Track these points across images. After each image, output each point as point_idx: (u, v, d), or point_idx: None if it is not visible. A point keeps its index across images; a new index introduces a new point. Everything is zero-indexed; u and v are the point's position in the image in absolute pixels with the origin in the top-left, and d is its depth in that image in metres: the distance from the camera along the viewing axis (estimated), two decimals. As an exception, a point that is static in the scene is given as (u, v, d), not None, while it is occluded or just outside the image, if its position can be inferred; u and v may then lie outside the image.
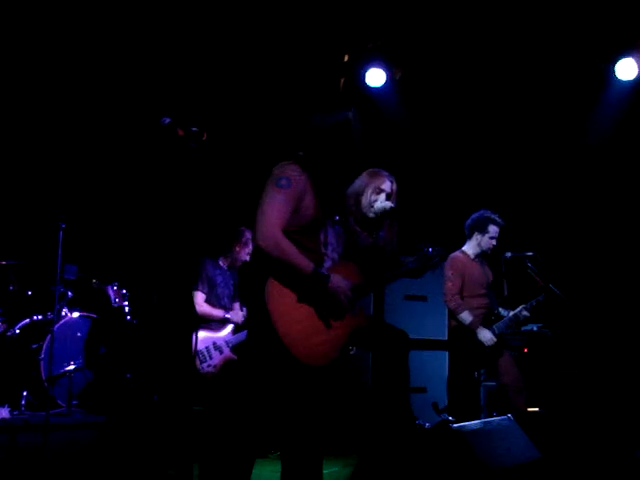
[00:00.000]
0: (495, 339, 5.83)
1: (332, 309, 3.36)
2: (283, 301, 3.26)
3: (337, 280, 3.37)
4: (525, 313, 5.94)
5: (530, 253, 6.01)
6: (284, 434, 3.46)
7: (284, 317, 3.23)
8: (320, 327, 3.34)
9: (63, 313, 6.21)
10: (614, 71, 7.19)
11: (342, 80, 7.27)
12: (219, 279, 6.39)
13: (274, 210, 3.28)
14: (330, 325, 3.38)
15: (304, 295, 3.30)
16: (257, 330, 3.39)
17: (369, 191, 4.52)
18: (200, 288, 6.26)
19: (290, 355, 3.21)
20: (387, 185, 4.49)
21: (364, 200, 4.53)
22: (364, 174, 4.58)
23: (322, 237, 3.44)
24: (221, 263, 6.47)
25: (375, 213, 4.37)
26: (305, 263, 3.29)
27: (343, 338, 3.43)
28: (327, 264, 3.44)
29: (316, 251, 3.40)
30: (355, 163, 3.64)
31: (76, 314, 6.28)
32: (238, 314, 6.40)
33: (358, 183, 4.55)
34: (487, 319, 5.94)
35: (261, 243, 3.24)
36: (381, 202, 4.37)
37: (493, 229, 6.08)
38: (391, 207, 4.31)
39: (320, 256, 3.41)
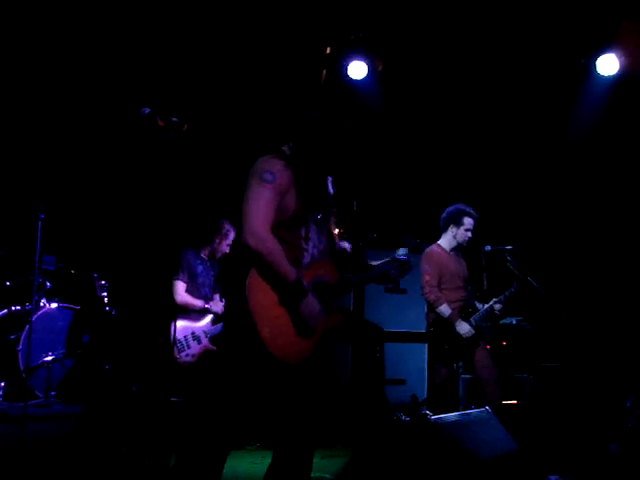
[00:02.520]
0: (473, 331, 5.87)
1: (300, 322, 3.33)
2: (263, 295, 3.24)
3: (311, 303, 3.33)
4: (498, 306, 5.99)
5: (509, 247, 6.06)
6: (272, 428, 3.48)
7: (263, 311, 3.22)
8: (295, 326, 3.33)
9: (42, 304, 6.17)
10: (595, 66, 7.21)
11: (324, 72, 7.26)
12: (199, 269, 6.38)
13: (262, 207, 3.24)
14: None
15: (283, 295, 3.29)
16: (234, 321, 3.38)
17: None
18: (181, 277, 6.24)
19: (265, 350, 3.20)
20: None
21: None
22: None
23: (303, 232, 3.42)
24: (201, 254, 6.46)
25: None
26: (289, 270, 3.26)
27: (317, 336, 3.41)
28: (306, 259, 3.42)
29: (296, 246, 3.38)
30: (339, 166, 3.62)
31: (54, 305, 6.24)
32: (218, 304, 6.39)
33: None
34: (464, 311, 5.97)
35: (250, 242, 3.20)
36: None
37: (468, 221, 6.12)
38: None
39: (300, 251, 3.40)
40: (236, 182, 3.47)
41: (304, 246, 3.41)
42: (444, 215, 6.24)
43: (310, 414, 3.43)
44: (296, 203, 3.35)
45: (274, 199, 3.28)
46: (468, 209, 6.15)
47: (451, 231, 6.18)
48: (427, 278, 6.02)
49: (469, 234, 6.15)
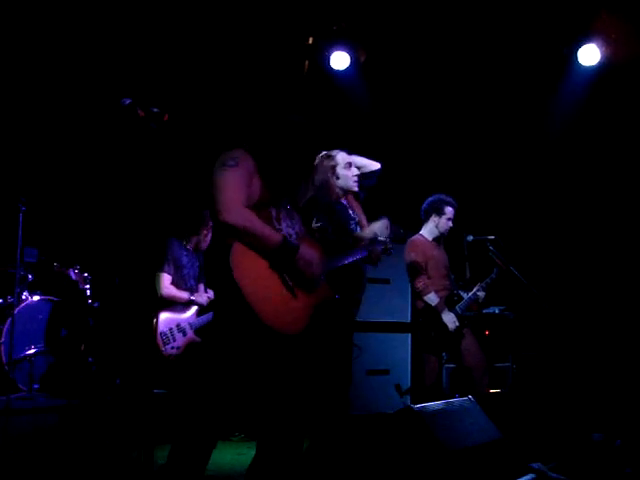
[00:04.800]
0: (457, 323, 5.90)
1: (300, 279, 3.35)
2: (250, 269, 3.25)
3: (305, 251, 3.36)
4: (481, 293, 6.04)
5: (492, 236, 6.09)
6: (259, 410, 3.46)
7: (252, 284, 3.22)
8: (287, 296, 3.34)
9: (24, 296, 6.16)
10: (576, 56, 7.24)
11: (306, 63, 7.25)
12: (185, 260, 6.36)
13: (231, 186, 3.27)
14: (296, 295, 3.38)
15: (271, 263, 3.30)
16: (225, 300, 3.37)
17: (341, 172, 4.74)
18: (166, 270, 6.21)
19: (260, 322, 3.20)
20: (346, 157, 4.76)
21: (342, 182, 4.73)
22: (320, 162, 4.76)
23: (273, 213, 3.44)
24: (187, 245, 6.44)
25: (359, 183, 4.77)
26: (273, 233, 3.29)
27: (310, 308, 3.43)
28: None
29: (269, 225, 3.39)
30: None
31: (37, 297, 6.22)
32: (203, 296, 6.39)
33: (321, 176, 4.76)
34: (449, 300, 6.01)
35: (227, 218, 3.20)
36: (357, 171, 4.78)
37: (449, 210, 6.17)
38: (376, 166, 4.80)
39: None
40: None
41: (277, 226, 3.42)
42: (425, 205, 6.28)
43: (301, 396, 3.42)
44: (261, 189, 3.37)
45: (241, 179, 3.31)
46: (448, 198, 6.21)
47: (433, 221, 6.22)
48: (413, 255, 6.04)
49: (450, 223, 6.19)
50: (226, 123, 6.90)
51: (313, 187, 4.83)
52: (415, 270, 6.03)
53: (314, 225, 4.57)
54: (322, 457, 4.50)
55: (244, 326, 3.25)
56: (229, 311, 3.33)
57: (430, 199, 6.27)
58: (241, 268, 3.24)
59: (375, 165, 4.94)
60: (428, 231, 6.25)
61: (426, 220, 6.27)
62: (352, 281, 4.71)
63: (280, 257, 3.30)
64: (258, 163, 3.41)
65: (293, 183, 3.61)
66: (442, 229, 6.20)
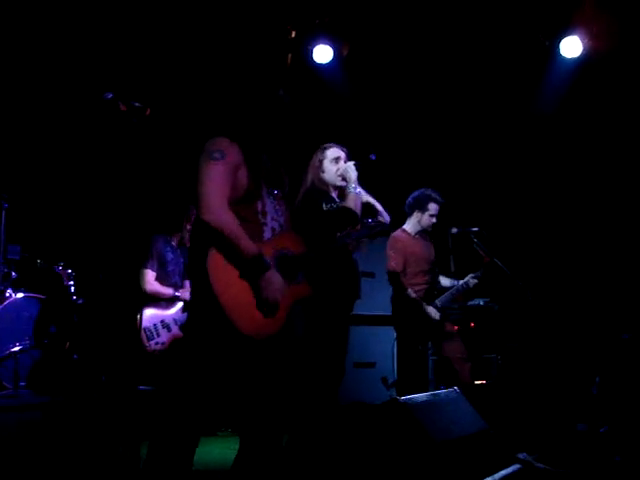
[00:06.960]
0: (439, 314, 5.93)
1: (259, 295, 3.31)
2: (225, 273, 3.23)
3: (270, 278, 3.31)
4: (474, 280, 6.05)
5: (475, 228, 6.11)
6: (239, 410, 3.45)
7: (226, 288, 3.21)
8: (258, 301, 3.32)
9: (7, 294, 6.13)
10: (559, 49, 7.26)
11: (289, 56, 7.23)
12: (169, 256, 6.34)
13: (216, 183, 3.25)
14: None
15: (244, 270, 3.28)
16: (198, 302, 3.37)
17: (327, 166, 4.80)
18: (149, 266, 6.19)
19: (232, 327, 3.19)
20: (337, 151, 4.79)
21: (327, 176, 4.79)
22: (314, 155, 4.85)
23: (259, 207, 3.42)
24: (171, 241, 6.43)
25: (343, 179, 4.78)
26: (249, 245, 3.26)
27: (285, 310, 3.41)
28: (266, 234, 3.41)
29: (254, 221, 3.37)
30: (285, 138, 3.66)
31: (21, 294, 6.20)
32: (188, 292, 6.37)
33: (311, 169, 4.84)
34: (429, 295, 6.01)
35: (209, 219, 3.20)
36: (343, 167, 4.79)
37: (433, 207, 6.13)
38: (355, 164, 4.75)
39: (259, 226, 3.39)
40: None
41: (262, 220, 3.41)
42: (409, 200, 6.25)
43: (278, 394, 3.42)
44: (248, 178, 3.36)
45: (227, 176, 3.29)
46: (434, 195, 6.14)
47: (416, 216, 6.19)
48: (392, 264, 6.05)
49: (433, 219, 6.16)
50: (209, 117, 6.88)
51: (305, 183, 4.90)
52: (393, 268, 6.03)
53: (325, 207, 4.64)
54: (309, 450, 4.51)
55: (215, 328, 3.24)
56: (202, 313, 3.33)
57: (415, 194, 6.23)
58: (216, 271, 3.22)
59: (384, 217, 5.00)
60: (411, 226, 6.24)
61: (410, 214, 6.24)
62: (346, 282, 4.83)
63: (248, 269, 3.27)
64: (244, 151, 3.40)
65: (280, 170, 3.60)
66: (424, 225, 6.18)
